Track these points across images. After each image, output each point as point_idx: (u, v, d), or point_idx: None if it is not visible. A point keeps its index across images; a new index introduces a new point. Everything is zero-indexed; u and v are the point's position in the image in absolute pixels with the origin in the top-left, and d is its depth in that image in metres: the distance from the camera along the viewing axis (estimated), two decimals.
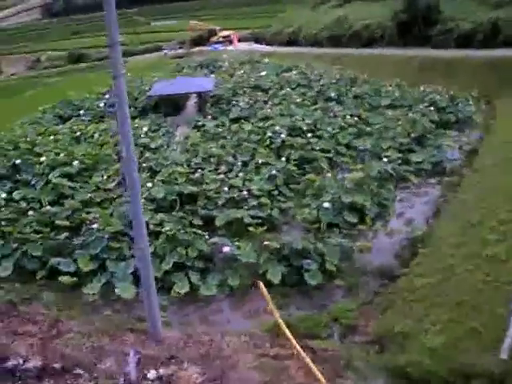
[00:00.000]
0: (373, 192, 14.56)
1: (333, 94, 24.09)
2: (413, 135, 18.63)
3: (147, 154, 17.37)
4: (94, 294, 10.88)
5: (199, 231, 12.42)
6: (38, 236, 12.46)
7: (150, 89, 26.15)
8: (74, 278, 11.29)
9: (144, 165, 16.49)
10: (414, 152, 17.77)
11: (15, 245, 12.25)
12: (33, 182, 16.07)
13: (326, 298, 10.78)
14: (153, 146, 18.34)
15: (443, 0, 32.77)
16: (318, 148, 17.63)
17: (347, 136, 18.75)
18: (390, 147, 17.62)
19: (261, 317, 10.14)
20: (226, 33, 50.41)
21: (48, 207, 13.81)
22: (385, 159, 16.56)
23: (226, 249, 11.63)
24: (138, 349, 6.23)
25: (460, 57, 27.68)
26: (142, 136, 19.49)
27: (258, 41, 48.31)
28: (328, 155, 17.37)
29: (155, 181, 15.12)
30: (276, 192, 14.88)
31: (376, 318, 9.86)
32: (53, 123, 24.03)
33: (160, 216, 13.12)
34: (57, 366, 6.04)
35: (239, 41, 48.50)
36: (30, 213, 13.66)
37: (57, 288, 11.35)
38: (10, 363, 6.05)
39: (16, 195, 15.02)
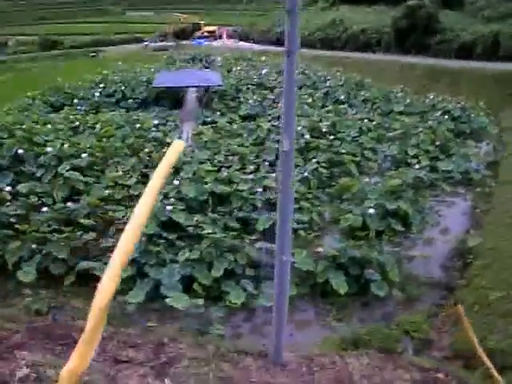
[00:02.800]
0: (411, 199, 14.03)
1: (342, 97, 23.52)
2: (437, 143, 18.25)
3: (165, 150, 16.06)
4: (138, 303, 9.69)
5: (245, 235, 11.44)
6: (59, 236, 10.94)
7: (148, 80, 24.74)
8: None
9: None
10: (439, 160, 17.36)
11: (34, 245, 10.82)
12: (38, 175, 14.49)
13: (387, 309, 9.99)
14: (168, 140, 17.03)
15: (440, 11, 32.92)
16: (343, 151, 16.92)
17: (370, 140, 18.13)
18: (417, 154, 17.15)
19: (312, 327, 9.42)
20: (211, 28, 48.98)
21: (69, 204, 12.35)
22: (416, 166, 16.09)
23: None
24: None
25: (463, 67, 27.72)
26: (153, 130, 18.17)
27: (242, 38, 47.26)
28: (355, 159, 16.67)
29: (180, 178, 13.95)
30: (310, 195, 14.03)
31: (448, 332, 9.10)
32: (44, 111, 22.36)
33: (195, 217, 12.03)
34: None
35: (229, 37, 47.28)
36: (44, 209, 12.09)
37: (87, 295, 10.08)
38: None
39: (21, 188, 13.21)
